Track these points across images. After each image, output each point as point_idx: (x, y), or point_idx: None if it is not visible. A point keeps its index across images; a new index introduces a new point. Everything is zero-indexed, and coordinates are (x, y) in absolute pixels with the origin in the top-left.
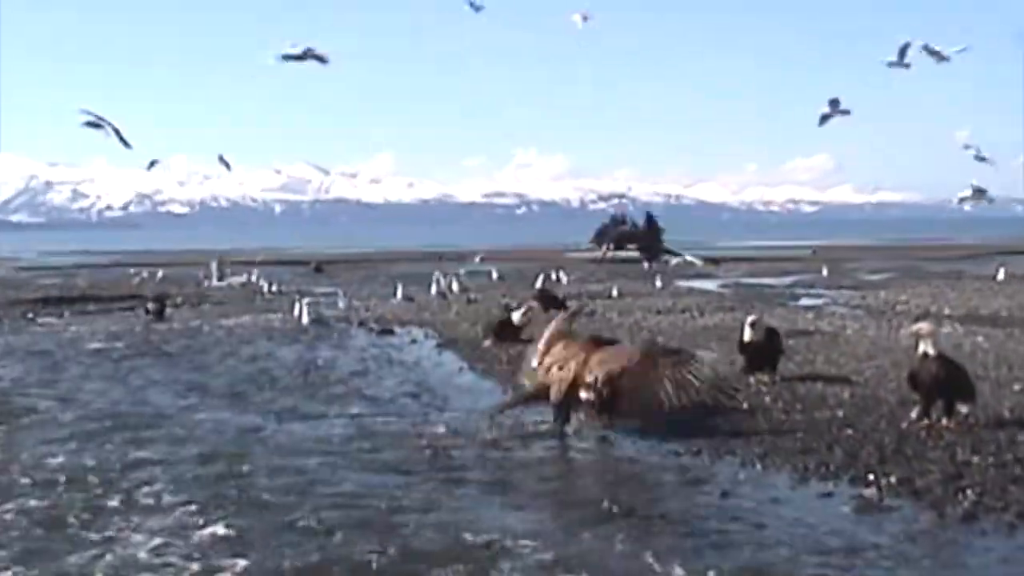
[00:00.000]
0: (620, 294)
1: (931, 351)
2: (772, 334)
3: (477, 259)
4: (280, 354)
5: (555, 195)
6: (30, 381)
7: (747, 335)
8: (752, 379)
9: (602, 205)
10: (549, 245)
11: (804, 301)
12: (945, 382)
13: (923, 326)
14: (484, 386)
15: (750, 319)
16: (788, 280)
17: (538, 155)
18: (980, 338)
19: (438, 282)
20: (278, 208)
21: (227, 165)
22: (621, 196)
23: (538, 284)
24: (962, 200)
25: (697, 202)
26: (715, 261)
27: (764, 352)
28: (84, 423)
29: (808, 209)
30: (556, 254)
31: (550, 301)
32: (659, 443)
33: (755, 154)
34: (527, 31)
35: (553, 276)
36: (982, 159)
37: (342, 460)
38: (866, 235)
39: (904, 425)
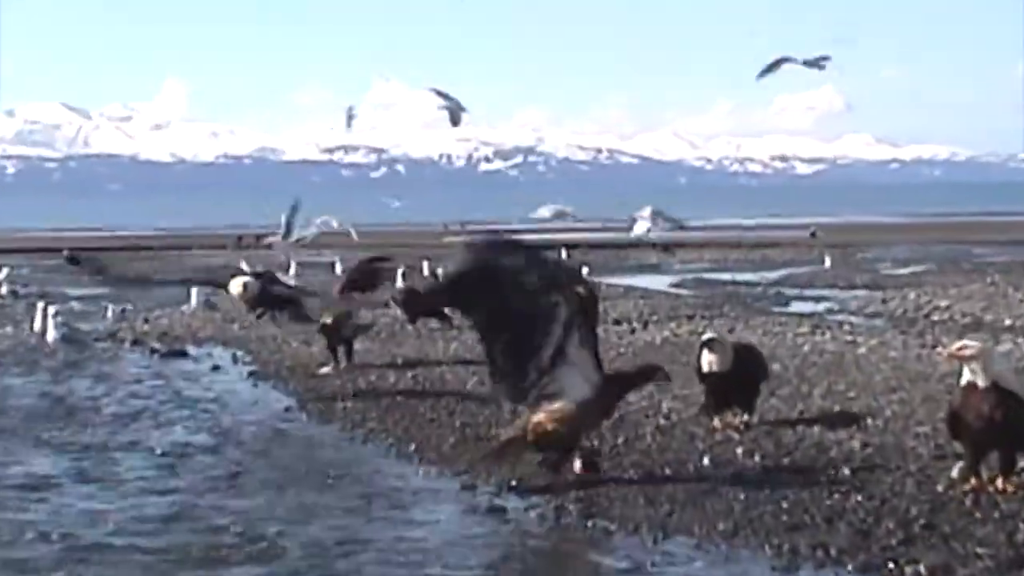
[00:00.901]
0: None
1: (982, 380)
2: (746, 355)
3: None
4: (9, 388)
5: (429, 150)
6: None
7: (706, 362)
8: (717, 421)
9: (499, 165)
10: (420, 223)
11: (797, 306)
12: (1001, 426)
13: (971, 343)
14: (322, 435)
15: (706, 338)
16: (774, 275)
17: (405, 89)
18: None
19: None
20: (11, 168)
21: (349, 120)
22: (528, 151)
23: (399, 283)
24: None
25: (641, 159)
26: (666, 247)
27: (733, 383)
28: None
29: (805, 169)
30: (430, 237)
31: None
32: (580, 516)
33: (727, 88)
34: None
35: (424, 270)
36: (815, 64)
37: (85, 553)
38: (891, 208)
39: (940, 488)
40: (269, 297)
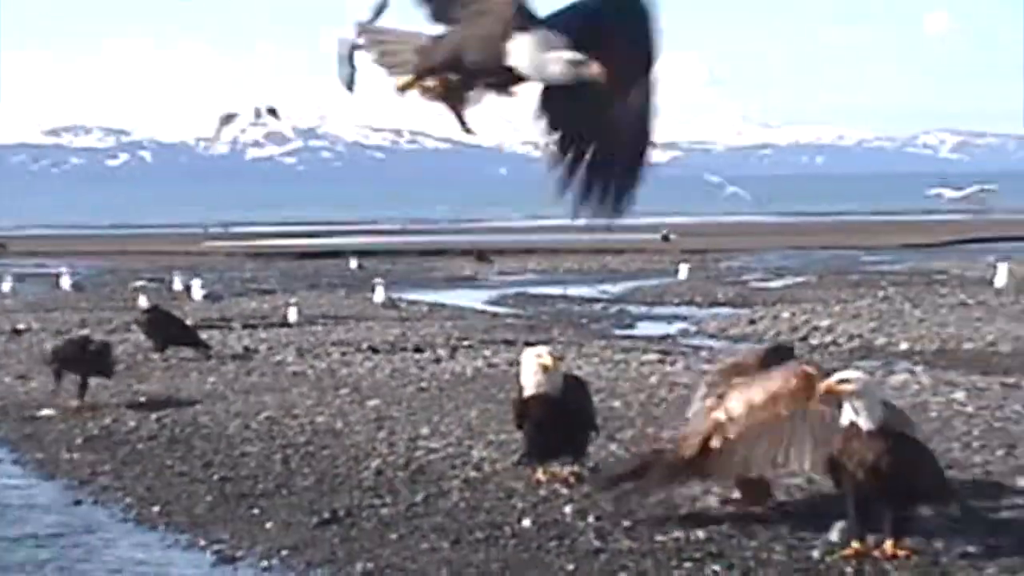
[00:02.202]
0: (304, 318)
1: (865, 421)
2: (578, 389)
3: None
4: None
5: (182, 132)
6: None
7: (531, 383)
8: (540, 473)
9: (272, 151)
10: (170, 226)
11: (644, 328)
12: (888, 474)
13: (852, 376)
14: (41, 493)
15: (535, 352)
16: (617, 288)
17: (167, 48)
18: (959, 394)
19: None
20: None
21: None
22: (309, 134)
23: (142, 301)
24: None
25: (452, 145)
26: (482, 255)
27: (563, 421)
28: None
29: (656, 157)
30: (186, 243)
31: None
32: None
33: None
34: None
35: (176, 284)
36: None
37: None
38: (764, 204)
39: (817, 554)
40: None
